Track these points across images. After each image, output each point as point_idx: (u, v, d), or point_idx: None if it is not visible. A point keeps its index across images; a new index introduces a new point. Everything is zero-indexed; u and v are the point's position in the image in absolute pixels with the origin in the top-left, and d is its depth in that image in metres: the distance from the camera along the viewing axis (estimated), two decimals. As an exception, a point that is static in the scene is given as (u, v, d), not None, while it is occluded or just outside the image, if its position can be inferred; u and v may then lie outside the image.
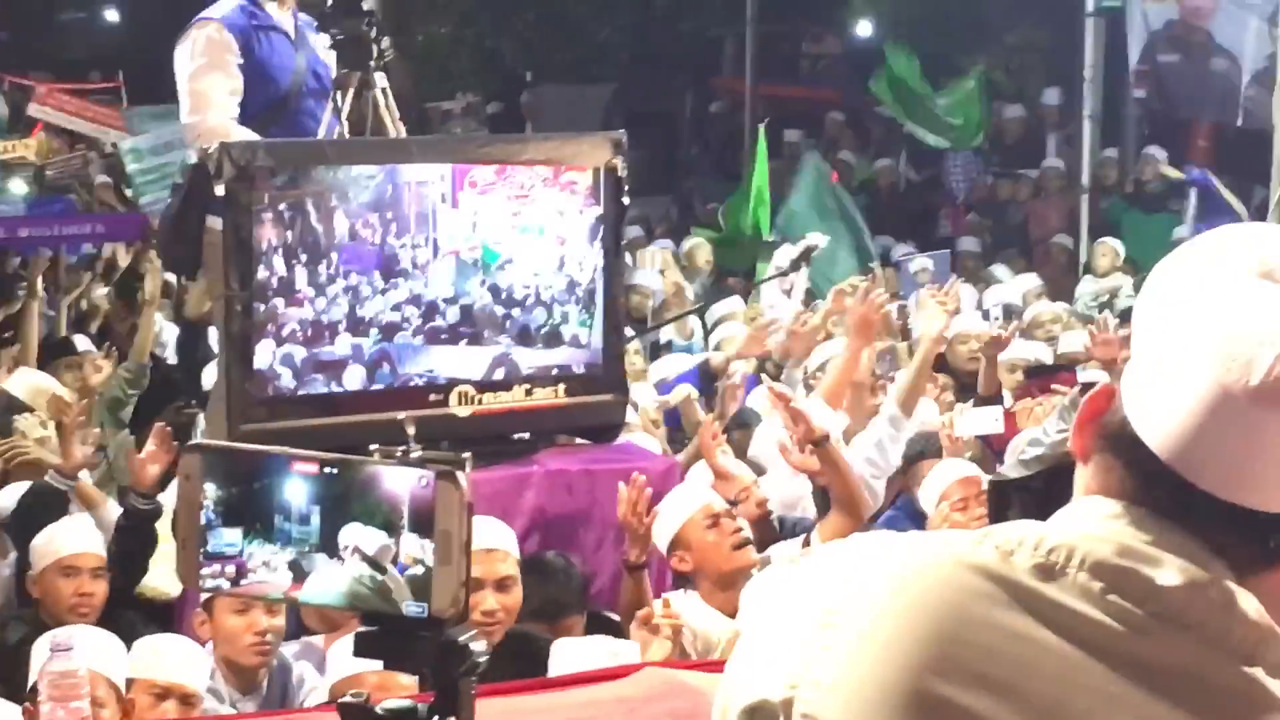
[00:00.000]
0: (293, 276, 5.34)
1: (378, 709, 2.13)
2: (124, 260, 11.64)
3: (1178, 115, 15.24)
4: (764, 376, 8.60)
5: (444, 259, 5.57)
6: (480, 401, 5.64)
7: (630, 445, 6.25)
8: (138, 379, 8.61)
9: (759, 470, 6.81)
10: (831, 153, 17.33)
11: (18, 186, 12.89)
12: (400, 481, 2.05)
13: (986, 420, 7.60)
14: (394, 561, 2.06)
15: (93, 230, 11.74)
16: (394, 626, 2.08)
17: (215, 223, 5.42)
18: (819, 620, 1.58)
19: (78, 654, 3.79)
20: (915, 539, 1.65)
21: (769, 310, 10.51)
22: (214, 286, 5.67)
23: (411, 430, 2.18)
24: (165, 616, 5.52)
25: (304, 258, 5.35)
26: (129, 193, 12.68)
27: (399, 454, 2.08)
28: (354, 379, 5.45)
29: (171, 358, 10.04)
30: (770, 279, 11.36)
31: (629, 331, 8.61)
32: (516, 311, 5.71)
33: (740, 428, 7.56)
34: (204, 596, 4.81)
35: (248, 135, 5.64)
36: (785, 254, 11.13)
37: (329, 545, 2.09)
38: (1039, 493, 3.68)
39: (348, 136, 5.81)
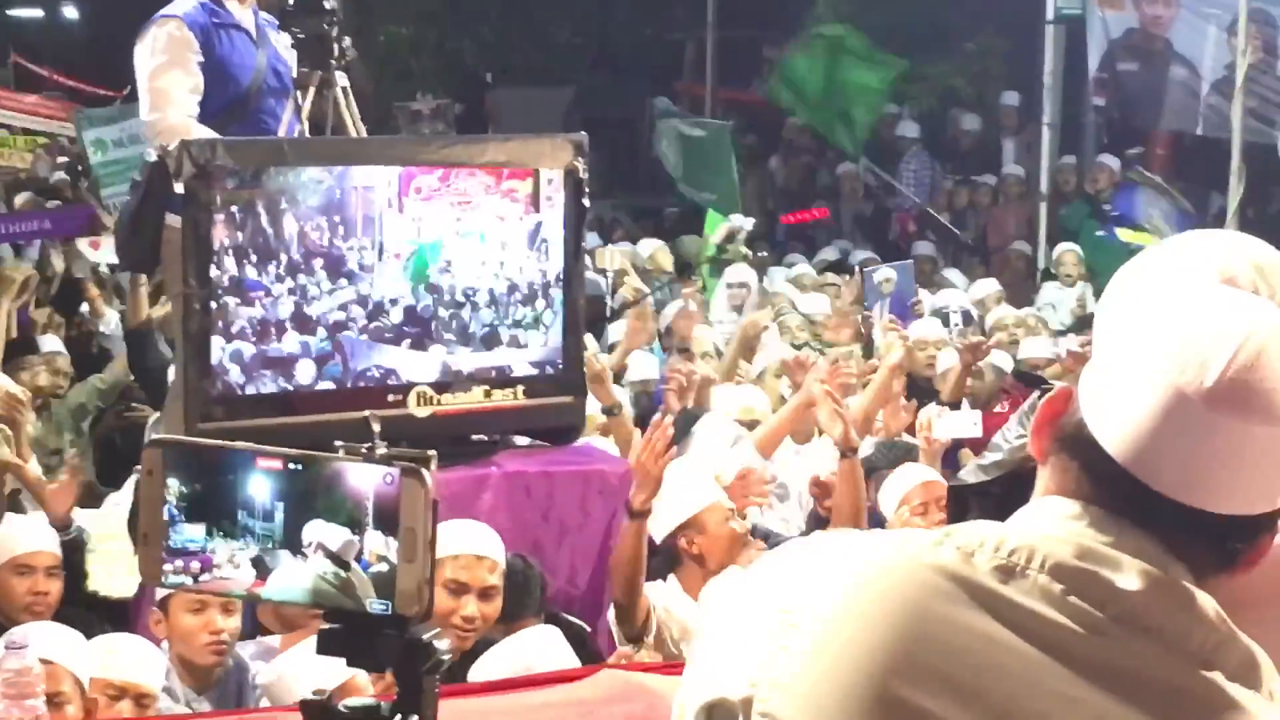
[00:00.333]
0: (243, 275, 5.34)
1: (340, 706, 2.12)
2: (59, 265, 11.39)
3: (1137, 123, 15.28)
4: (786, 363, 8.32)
5: (388, 261, 5.57)
6: (439, 402, 5.63)
7: (589, 447, 6.25)
8: (111, 391, 8.50)
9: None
10: (792, 157, 17.35)
11: None
12: (365, 478, 2.04)
13: (965, 423, 7.61)
14: (358, 558, 2.05)
15: (39, 226, 11.57)
16: (358, 624, 2.07)
17: (174, 220, 5.41)
18: (779, 619, 1.58)
19: (32, 651, 3.76)
20: (876, 538, 1.65)
21: (718, 325, 10.58)
22: (172, 284, 5.65)
23: (377, 427, 2.16)
24: (120, 615, 5.49)
25: (254, 257, 5.35)
26: (84, 185, 12.60)
27: (364, 450, 2.07)
28: (305, 374, 5.44)
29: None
30: (707, 262, 11.61)
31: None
32: (464, 313, 5.70)
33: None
34: (160, 595, 4.79)
35: (207, 133, 5.61)
36: (719, 233, 11.42)
37: (293, 542, 2.07)
38: (997, 498, 3.67)
39: (308, 135, 5.79)
